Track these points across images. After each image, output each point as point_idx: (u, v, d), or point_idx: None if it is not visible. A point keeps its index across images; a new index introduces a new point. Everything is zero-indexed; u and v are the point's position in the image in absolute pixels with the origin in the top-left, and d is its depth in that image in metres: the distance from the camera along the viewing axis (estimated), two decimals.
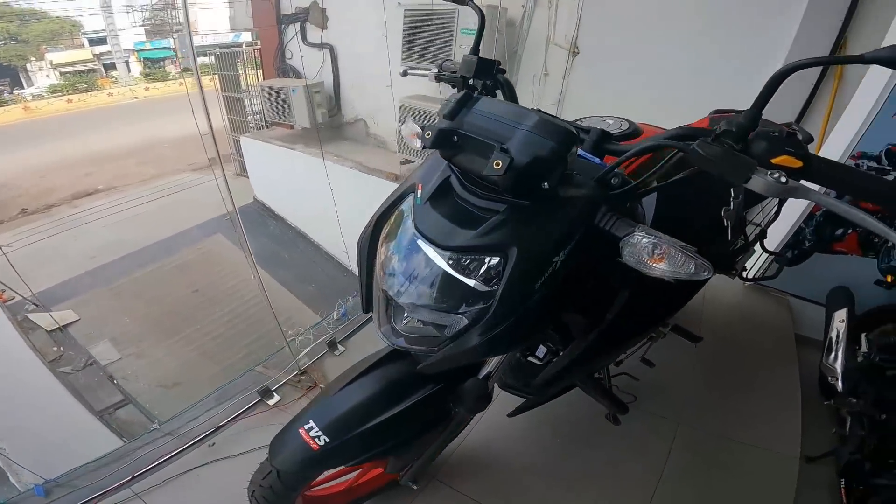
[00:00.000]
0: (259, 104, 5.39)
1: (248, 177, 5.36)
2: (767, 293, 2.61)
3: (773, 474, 1.66)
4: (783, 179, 0.59)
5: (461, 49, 3.41)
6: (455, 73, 1.08)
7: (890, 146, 2.23)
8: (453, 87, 1.12)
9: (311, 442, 0.91)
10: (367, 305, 0.96)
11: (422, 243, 0.79)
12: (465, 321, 0.78)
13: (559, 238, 0.74)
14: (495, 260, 0.74)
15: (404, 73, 1.35)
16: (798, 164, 0.62)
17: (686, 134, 0.72)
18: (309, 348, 1.88)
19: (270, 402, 1.67)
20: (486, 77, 1.04)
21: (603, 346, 0.99)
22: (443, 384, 0.99)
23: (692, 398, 1.90)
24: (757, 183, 0.61)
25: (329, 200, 4.25)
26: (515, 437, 1.61)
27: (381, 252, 0.90)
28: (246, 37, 7.43)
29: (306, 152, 4.75)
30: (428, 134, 0.77)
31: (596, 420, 1.73)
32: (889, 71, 2.23)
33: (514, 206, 0.74)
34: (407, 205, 0.87)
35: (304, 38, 5.27)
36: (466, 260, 0.76)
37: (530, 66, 3.49)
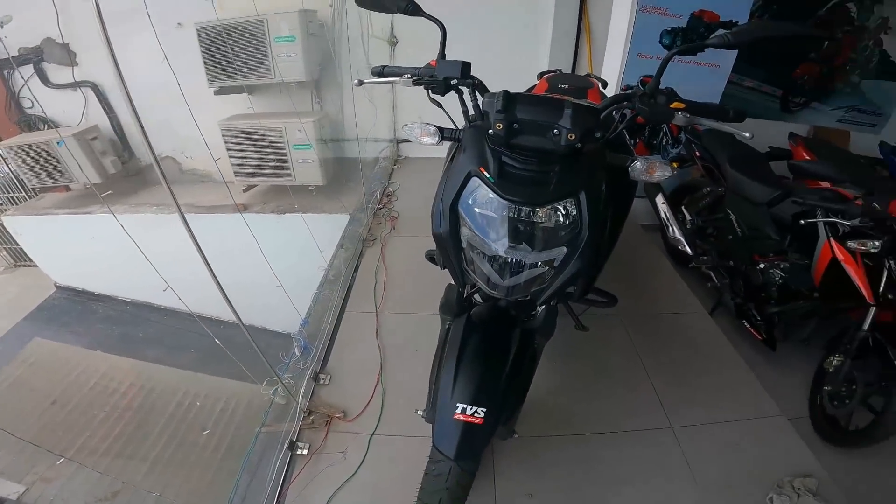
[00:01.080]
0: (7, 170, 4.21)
1: (34, 265, 4.20)
2: None
3: (703, 332, 2.21)
4: (688, 115, 1.05)
5: (279, 58, 3.28)
6: (432, 76, 1.19)
7: (643, 77, 3.08)
8: (428, 88, 1.22)
9: (474, 419, 1.02)
10: (463, 279, 1.13)
11: (511, 207, 0.99)
12: (566, 249, 1.02)
13: (599, 176, 1.04)
14: (569, 202, 1.00)
15: (359, 84, 1.37)
16: (683, 105, 1.05)
17: (624, 96, 1.07)
18: (302, 388, 1.77)
19: (304, 453, 1.58)
20: (468, 77, 1.17)
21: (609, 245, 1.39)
22: (519, 327, 1.18)
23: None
24: (678, 119, 1.06)
25: (164, 256, 3.69)
26: None
27: (469, 230, 1.05)
28: None
29: (111, 211, 3.97)
30: (499, 126, 0.97)
31: (568, 336, 2.08)
32: (626, 25, 3.03)
33: (562, 164, 0.99)
34: (475, 186, 1.03)
35: (44, 80, 4.28)
36: (553, 208, 1.00)
37: (354, 61, 3.57)
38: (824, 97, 3.63)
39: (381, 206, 3.37)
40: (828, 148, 2.52)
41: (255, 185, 3.97)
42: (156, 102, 4.05)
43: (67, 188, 4.39)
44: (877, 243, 1.64)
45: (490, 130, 1.00)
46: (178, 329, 3.64)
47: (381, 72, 1.30)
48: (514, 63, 3.49)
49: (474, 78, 1.18)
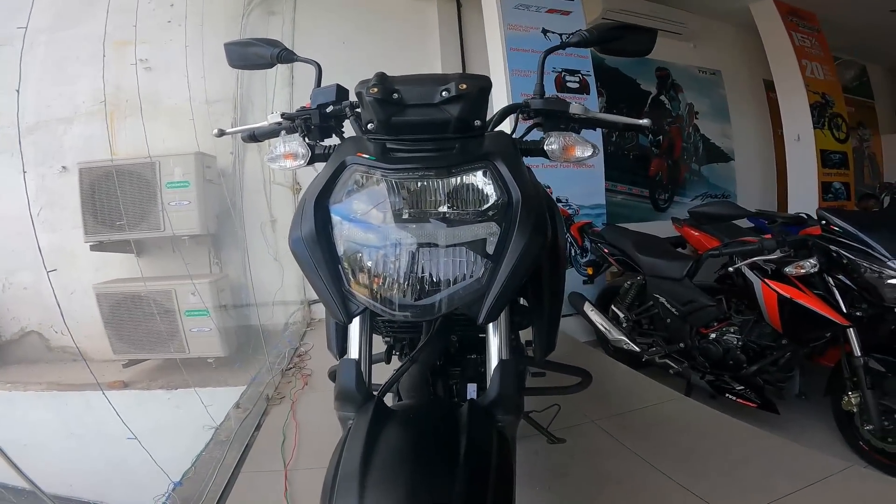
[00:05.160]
0: None
1: None
2: None
3: (694, 414, 2.01)
4: (582, 104, 0.99)
5: (171, 206, 3.05)
6: (304, 108, 1.03)
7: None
8: (304, 134, 1.02)
9: None
10: (346, 308, 0.80)
11: (406, 181, 0.77)
12: (497, 227, 0.77)
13: (515, 151, 0.90)
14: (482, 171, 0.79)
15: (220, 134, 1.17)
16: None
17: (515, 105, 1.06)
18: None
19: None
20: (344, 99, 1.04)
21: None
22: (464, 407, 0.76)
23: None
24: (574, 107, 0.98)
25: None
26: None
27: (347, 229, 0.79)
28: None
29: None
30: (374, 90, 0.77)
31: (543, 455, 1.72)
32: (501, 50, 3.22)
33: (464, 140, 0.81)
34: (351, 178, 0.80)
35: None
36: (463, 172, 0.79)
37: (255, 214, 3.46)
38: (681, 190, 4.11)
39: (291, 365, 2.95)
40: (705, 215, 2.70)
41: (143, 361, 3.38)
42: (21, 263, 3.46)
43: None
44: (813, 261, 1.62)
45: (370, 124, 0.80)
46: None
47: (252, 134, 1.14)
48: None
49: (349, 105, 1.03)
